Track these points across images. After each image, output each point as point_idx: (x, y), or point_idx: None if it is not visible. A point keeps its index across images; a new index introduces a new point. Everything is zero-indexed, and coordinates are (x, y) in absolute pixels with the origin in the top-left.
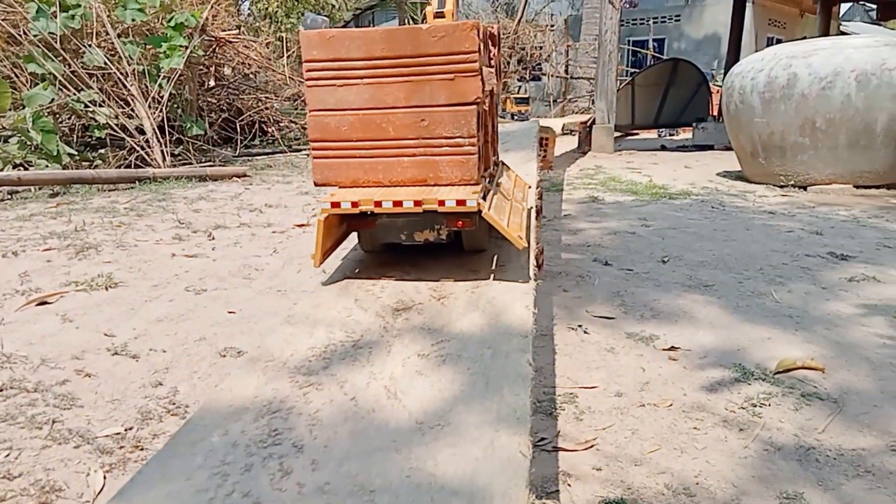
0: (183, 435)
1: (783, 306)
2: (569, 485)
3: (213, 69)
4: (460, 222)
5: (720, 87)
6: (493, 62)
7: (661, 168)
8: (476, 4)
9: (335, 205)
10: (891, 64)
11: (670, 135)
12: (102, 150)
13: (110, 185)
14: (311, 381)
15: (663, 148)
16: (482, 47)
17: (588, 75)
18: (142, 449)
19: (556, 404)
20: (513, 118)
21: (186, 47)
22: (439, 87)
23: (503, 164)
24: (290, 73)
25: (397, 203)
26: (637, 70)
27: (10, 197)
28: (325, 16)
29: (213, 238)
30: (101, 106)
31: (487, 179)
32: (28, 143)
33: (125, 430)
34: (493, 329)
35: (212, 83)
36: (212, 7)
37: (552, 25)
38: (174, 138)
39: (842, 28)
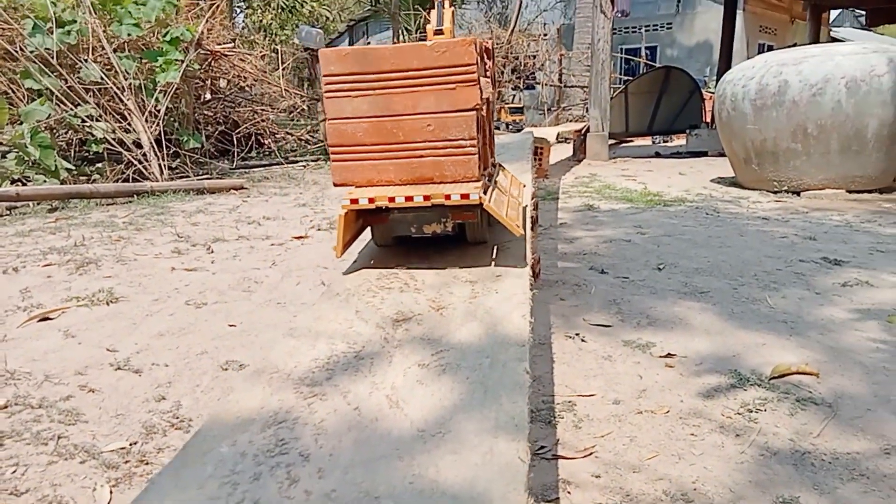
0: (193, 445)
1: (777, 312)
2: (569, 492)
3: (209, 82)
4: (464, 215)
5: (713, 93)
6: (488, 73)
7: (656, 175)
8: (469, 15)
9: (354, 201)
10: (880, 70)
11: (664, 141)
12: (100, 165)
13: (108, 200)
14: (315, 391)
15: (658, 155)
16: (479, 60)
17: (581, 83)
18: (147, 463)
19: (555, 413)
20: (507, 128)
21: (182, 61)
22: (443, 95)
23: (500, 165)
24: (285, 84)
25: (409, 198)
26: (630, 78)
27: (8, 213)
28: (320, 28)
29: (212, 251)
30: (98, 120)
31: (487, 177)
32: (26, 158)
33: (130, 444)
34: (490, 338)
35: (208, 96)
36: (207, 21)
37: (545, 34)
38: (171, 152)
39: (832, 34)
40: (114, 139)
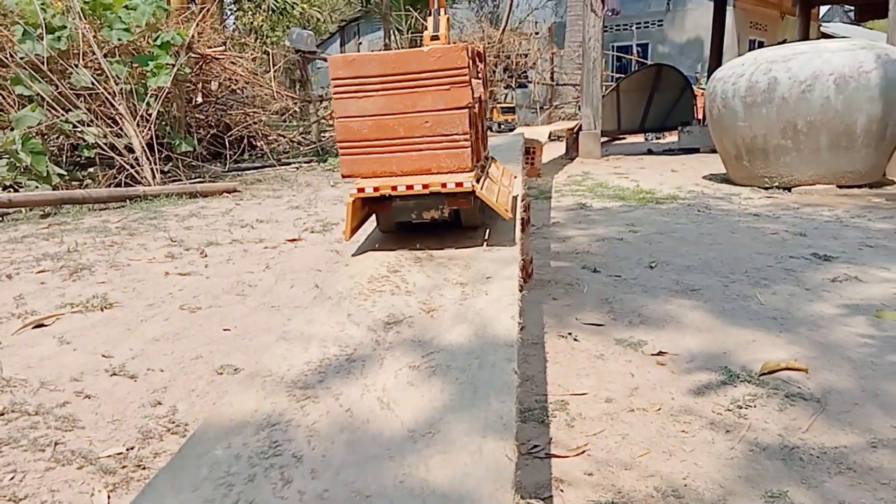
0: (188, 448)
1: (768, 308)
2: (561, 490)
3: (200, 86)
4: (459, 202)
5: (704, 89)
6: (480, 75)
7: (648, 172)
8: (461, 14)
9: (360, 190)
10: (867, 67)
11: (657, 138)
12: (92, 170)
13: (101, 205)
14: (308, 394)
15: (650, 152)
16: (471, 64)
17: (573, 82)
18: (144, 468)
19: (548, 412)
20: (499, 127)
21: (173, 65)
22: (438, 95)
23: (493, 158)
24: (276, 86)
25: (409, 187)
26: (622, 75)
27: (1, 219)
28: (311, 30)
29: (206, 255)
30: (89, 126)
31: (479, 168)
32: (17, 164)
33: (127, 449)
34: (480, 340)
35: (199, 100)
36: (197, 24)
37: (537, 33)
38: (163, 155)
39: (822, 29)
40: (105, 144)
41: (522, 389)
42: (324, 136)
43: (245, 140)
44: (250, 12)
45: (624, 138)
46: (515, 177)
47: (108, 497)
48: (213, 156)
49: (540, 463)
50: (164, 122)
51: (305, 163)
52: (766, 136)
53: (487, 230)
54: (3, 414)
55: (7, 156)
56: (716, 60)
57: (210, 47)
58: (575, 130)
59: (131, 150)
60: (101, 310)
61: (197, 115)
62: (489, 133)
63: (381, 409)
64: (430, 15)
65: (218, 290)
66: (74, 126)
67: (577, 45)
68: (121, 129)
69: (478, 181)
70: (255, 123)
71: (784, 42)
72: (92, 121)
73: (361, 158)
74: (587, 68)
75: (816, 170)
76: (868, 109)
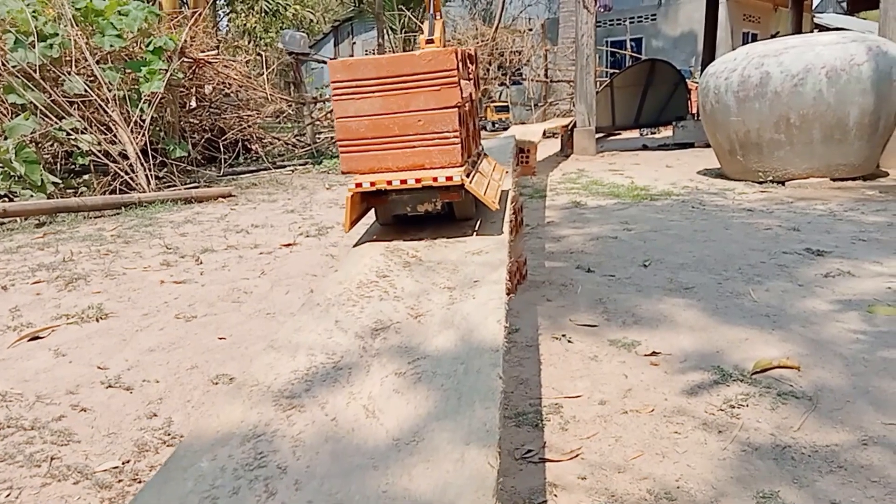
0: (174, 461)
1: (761, 306)
2: (555, 495)
3: (193, 90)
4: (451, 195)
5: (698, 83)
6: (470, 75)
7: (643, 168)
8: (454, 12)
9: (358, 185)
10: (859, 59)
11: (652, 133)
12: (87, 177)
13: (96, 212)
14: (294, 403)
15: (645, 147)
16: (461, 66)
17: (568, 78)
18: (139, 482)
19: (542, 415)
20: (494, 126)
21: (166, 70)
22: (430, 96)
23: (485, 154)
24: (271, 89)
25: (403, 182)
26: (616, 71)
27: None
28: (304, 31)
29: (201, 262)
30: (83, 133)
31: (470, 163)
32: (11, 173)
33: (122, 463)
34: (466, 345)
35: (193, 104)
36: (189, 29)
37: (530, 29)
38: (158, 161)
39: (815, 20)
40: (99, 151)
41: (517, 393)
42: (319, 138)
43: (240, 144)
44: (243, 14)
45: (619, 134)
46: (507, 171)
47: None
48: (208, 160)
49: (534, 468)
50: (158, 128)
51: (301, 165)
52: (760, 130)
53: (479, 221)
54: None
55: (1, 165)
56: (709, 54)
57: (203, 51)
58: (570, 127)
59: (126, 157)
60: (97, 320)
61: (191, 120)
62: (485, 131)
63: (366, 418)
64: (425, 19)
65: (213, 297)
66: (68, 134)
67: (570, 42)
68: (115, 135)
69: (468, 176)
70: (249, 127)
71: (777, 34)
72: (86, 128)
73: (359, 156)
74: (580, 65)
75: (810, 163)
76: (860, 102)
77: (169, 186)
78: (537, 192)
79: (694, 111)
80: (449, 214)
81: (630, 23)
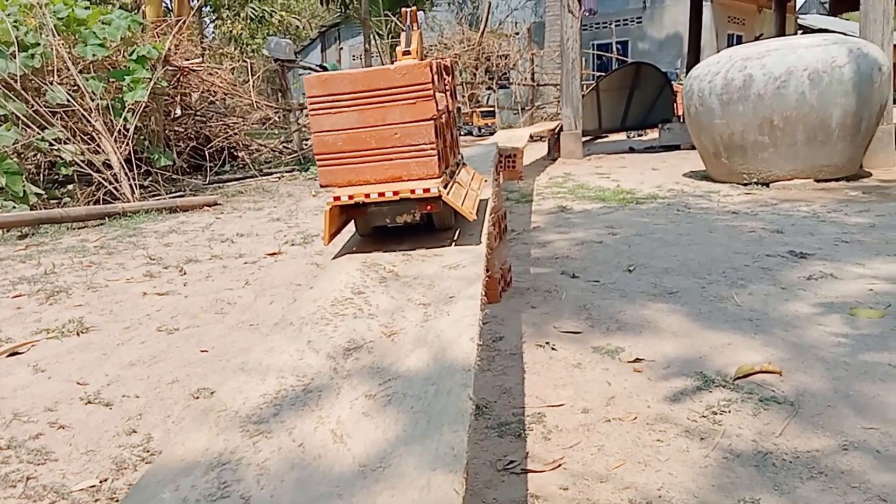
0: (136, 493)
1: (744, 310)
2: None
3: (178, 98)
4: (429, 206)
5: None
6: (447, 87)
7: (629, 171)
8: (441, 17)
9: (337, 198)
10: (840, 61)
11: (638, 136)
12: (70, 187)
13: (80, 223)
14: (262, 429)
15: (632, 150)
16: (436, 78)
17: (554, 81)
18: (116, 501)
19: (525, 425)
20: (480, 132)
21: (150, 79)
22: (405, 109)
23: (464, 163)
24: (255, 96)
25: (381, 194)
26: (603, 74)
27: None
28: (291, 37)
29: (185, 273)
30: (66, 143)
31: (448, 174)
32: None
33: (100, 482)
34: (438, 364)
35: (178, 112)
36: (173, 37)
37: (517, 33)
38: (142, 170)
39: (799, 21)
40: (83, 161)
41: (500, 402)
42: (306, 145)
43: (226, 151)
44: (229, 21)
45: (606, 137)
46: (486, 180)
47: None
48: (194, 168)
49: (516, 479)
50: (142, 137)
51: (287, 172)
52: (744, 132)
53: (458, 231)
54: None
55: None
56: (694, 56)
57: (187, 59)
58: (556, 131)
59: (109, 167)
60: (78, 334)
61: (176, 128)
62: (471, 136)
63: (333, 443)
64: (403, 10)
65: (196, 309)
66: (51, 144)
67: (556, 45)
68: (98, 145)
69: (445, 186)
70: (235, 134)
71: (761, 36)
72: (69, 138)
73: (337, 169)
74: (566, 69)
75: (794, 165)
76: (842, 103)
77: (154, 196)
78: (524, 197)
79: (680, 113)
80: (428, 224)
81: (616, 26)
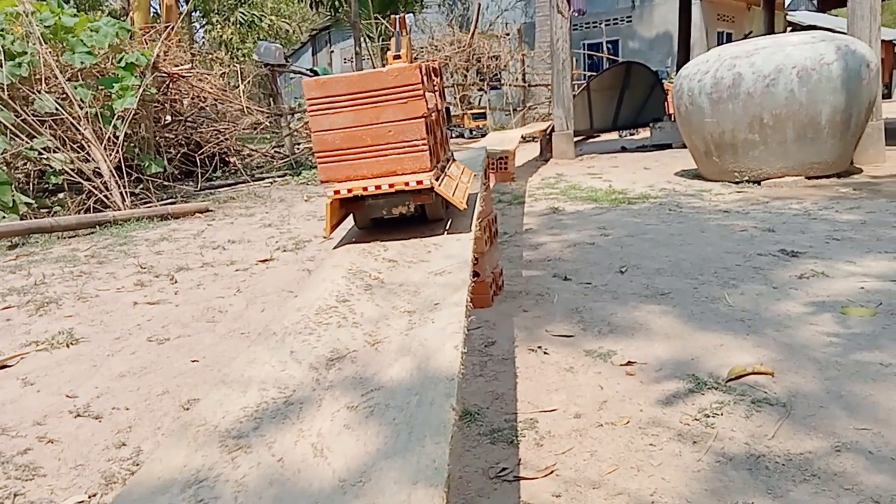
0: None
1: (736, 310)
2: None
3: (168, 105)
4: (422, 198)
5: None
6: (436, 87)
7: (621, 171)
8: (431, 18)
9: (337, 192)
10: (829, 58)
11: (630, 135)
12: (61, 195)
13: (70, 232)
14: (241, 444)
15: (623, 149)
16: (425, 79)
17: (546, 82)
18: None
19: (518, 431)
20: (471, 133)
21: (139, 86)
22: (398, 108)
23: (454, 159)
24: (246, 101)
25: (378, 187)
26: (594, 73)
27: None
28: (281, 41)
29: (176, 281)
30: (55, 152)
31: (440, 168)
32: None
33: (89, 497)
34: (421, 374)
35: (168, 119)
36: (162, 43)
37: (507, 34)
38: (133, 178)
39: (788, 17)
40: (73, 169)
41: (492, 409)
42: (297, 149)
43: (217, 157)
44: (219, 26)
45: (598, 137)
46: (475, 174)
47: None
48: (186, 174)
49: (508, 486)
50: (132, 144)
51: (279, 177)
52: (734, 131)
53: (450, 221)
54: None
55: None
56: (684, 55)
57: (177, 65)
58: (548, 132)
59: (100, 175)
60: (67, 346)
61: (166, 135)
62: (462, 139)
63: (313, 458)
64: (392, 14)
65: (187, 318)
66: (40, 153)
67: (547, 46)
68: (88, 153)
69: (437, 179)
70: (226, 140)
71: (750, 33)
72: (58, 147)
73: (336, 165)
74: (556, 69)
75: (784, 162)
76: (832, 100)
77: (144, 203)
78: (516, 199)
79: (671, 112)
80: (422, 216)
81: (606, 25)
